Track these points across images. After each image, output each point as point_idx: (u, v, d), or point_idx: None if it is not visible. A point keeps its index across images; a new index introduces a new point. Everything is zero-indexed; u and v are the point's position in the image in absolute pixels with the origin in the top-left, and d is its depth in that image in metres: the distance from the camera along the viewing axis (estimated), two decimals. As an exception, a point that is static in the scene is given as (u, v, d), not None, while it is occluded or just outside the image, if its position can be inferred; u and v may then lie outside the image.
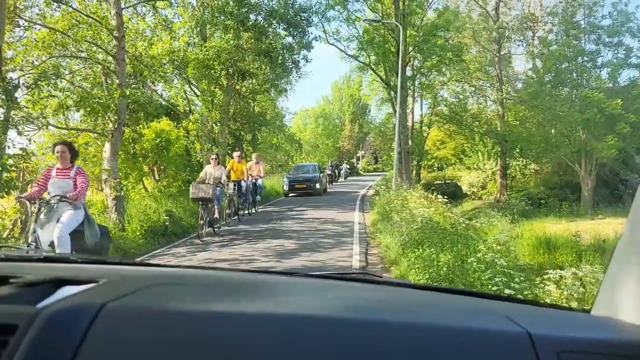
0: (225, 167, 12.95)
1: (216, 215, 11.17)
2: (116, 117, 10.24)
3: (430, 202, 12.16)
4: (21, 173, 7.98)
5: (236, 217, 13.28)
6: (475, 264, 5.07)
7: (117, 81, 10.38)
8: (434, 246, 7.13)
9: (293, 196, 21.90)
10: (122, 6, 10.71)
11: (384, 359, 0.82)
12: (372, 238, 10.80)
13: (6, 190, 6.83)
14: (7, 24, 8.95)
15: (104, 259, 1.81)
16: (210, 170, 11.18)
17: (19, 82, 7.65)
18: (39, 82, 8.07)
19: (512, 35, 29.88)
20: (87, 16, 10.31)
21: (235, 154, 13.70)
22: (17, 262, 1.47)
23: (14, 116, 7.49)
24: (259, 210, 15.77)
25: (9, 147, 7.50)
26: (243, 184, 13.15)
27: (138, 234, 10.06)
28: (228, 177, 12.07)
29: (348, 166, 48.53)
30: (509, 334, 0.90)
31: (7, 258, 1.54)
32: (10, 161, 7.40)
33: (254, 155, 15.41)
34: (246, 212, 14.23)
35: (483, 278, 4.89)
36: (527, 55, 31.60)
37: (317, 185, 22.24)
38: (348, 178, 43.54)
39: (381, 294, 1.34)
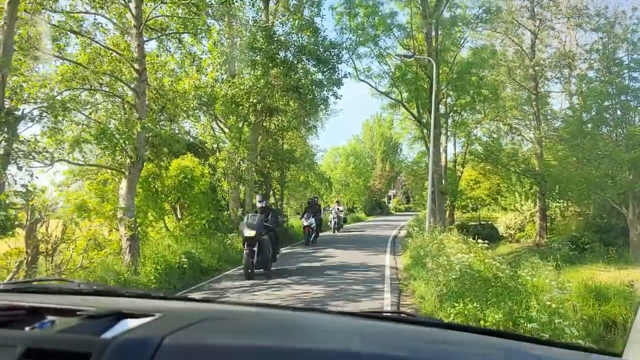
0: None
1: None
2: (135, 152, 9.74)
3: (469, 246, 11.17)
4: (29, 211, 7.41)
5: None
6: (536, 329, 4.14)
7: (137, 115, 9.91)
8: (476, 300, 6.26)
9: None
10: (145, 39, 10.35)
11: None
12: (404, 285, 10.03)
13: (1, 229, 6.25)
14: (23, 56, 8.65)
15: (149, 293, 1.92)
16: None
17: (23, 114, 7.19)
18: (45, 115, 7.59)
19: (549, 73, 28.93)
20: (108, 49, 9.95)
21: None
22: (73, 295, 1.59)
23: (16, 150, 7.00)
24: None
25: (8, 184, 6.98)
26: None
27: (152, 277, 9.38)
28: None
29: (340, 207, 27.54)
30: None
31: (64, 291, 1.67)
32: (14, 199, 6.88)
33: None
34: None
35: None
36: (564, 94, 30.58)
37: None
38: (342, 229, 26.74)
39: (415, 333, 1.35)
